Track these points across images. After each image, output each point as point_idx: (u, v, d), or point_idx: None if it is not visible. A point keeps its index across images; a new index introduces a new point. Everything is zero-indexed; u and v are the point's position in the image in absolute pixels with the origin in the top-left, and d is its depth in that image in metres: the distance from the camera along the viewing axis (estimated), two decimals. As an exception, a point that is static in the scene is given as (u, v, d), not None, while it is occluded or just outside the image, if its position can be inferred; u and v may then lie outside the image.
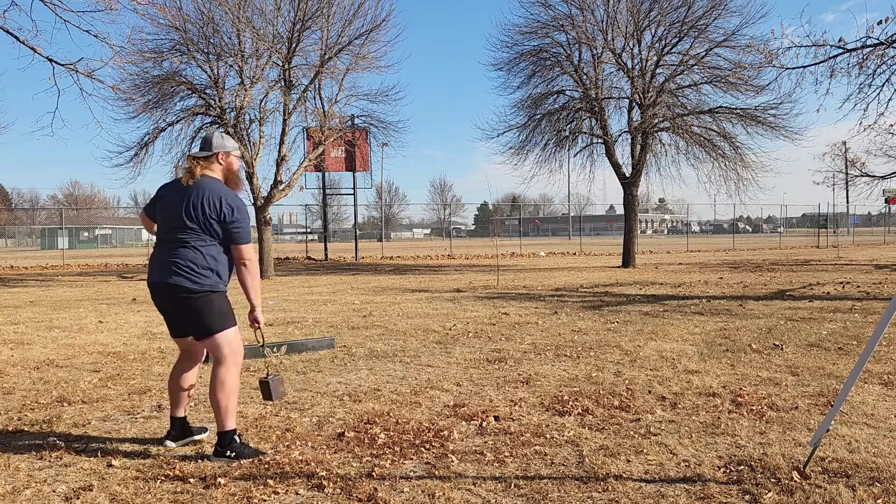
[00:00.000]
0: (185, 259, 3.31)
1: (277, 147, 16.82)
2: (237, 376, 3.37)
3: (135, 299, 11.50)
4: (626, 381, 4.80)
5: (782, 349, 5.93)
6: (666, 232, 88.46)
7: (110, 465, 3.23)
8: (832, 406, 3.43)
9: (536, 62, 18.97)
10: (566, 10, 18.14)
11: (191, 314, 3.34)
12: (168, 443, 3.51)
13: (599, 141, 19.04)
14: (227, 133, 16.16)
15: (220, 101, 16.01)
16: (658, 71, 18.09)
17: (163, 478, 3.06)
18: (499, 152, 44.72)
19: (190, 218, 3.31)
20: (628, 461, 3.20)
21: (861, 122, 12.46)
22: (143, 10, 13.05)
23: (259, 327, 3.48)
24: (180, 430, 3.56)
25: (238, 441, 3.34)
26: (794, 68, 11.83)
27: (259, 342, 3.61)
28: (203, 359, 3.64)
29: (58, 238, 52.47)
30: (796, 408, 4.06)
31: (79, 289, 14.24)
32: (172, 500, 2.82)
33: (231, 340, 3.36)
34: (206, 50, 15.81)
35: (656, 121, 18.16)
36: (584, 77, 18.48)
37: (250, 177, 16.44)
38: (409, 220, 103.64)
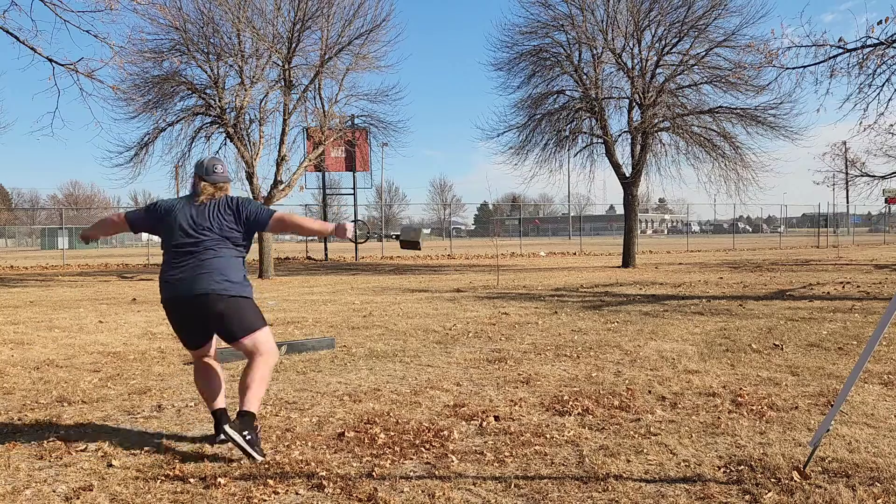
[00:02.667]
0: None
1: (277, 147, 16.83)
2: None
3: (135, 299, 11.50)
4: (626, 381, 4.80)
5: (782, 349, 5.93)
6: (666, 232, 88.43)
7: (110, 465, 3.23)
8: (832, 406, 3.43)
9: (536, 62, 18.98)
10: (566, 10, 18.16)
11: None
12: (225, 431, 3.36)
13: (599, 141, 19.04)
14: (228, 133, 16.19)
15: (220, 101, 16.01)
16: (658, 71, 18.10)
17: (163, 478, 3.06)
18: (499, 152, 44.76)
19: None
20: (628, 461, 3.20)
21: (861, 122, 12.47)
22: (143, 10, 13.08)
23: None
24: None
25: (258, 428, 3.43)
26: (794, 68, 11.84)
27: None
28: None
29: (58, 238, 52.41)
30: (796, 408, 4.06)
31: (79, 289, 14.24)
32: (172, 500, 2.82)
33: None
34: (206, 50, 15.81)
35: (656, 121, 18.17)
36: (584, 77, 18.49)
37: (250, 177, 16.44)
38: (409, 220, 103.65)
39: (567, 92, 19.22)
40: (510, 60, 19.26)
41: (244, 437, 3.24)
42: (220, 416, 3.50)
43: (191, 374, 5.22)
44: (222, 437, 3.43)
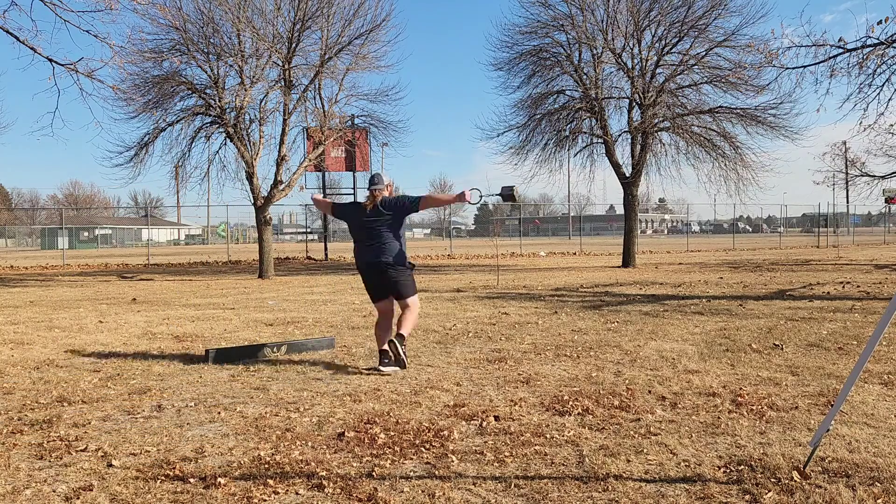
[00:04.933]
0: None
1: (277, 147, 16.83)
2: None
3: (135, 299, 11.50)
4: (626, 381, 4.80)
5: (782, 349, 5.93)
6: (666, 232, 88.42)
7: (110, 465, 3.23)
8: (832, 406, 3.43)
9: (536, 62, 18.97)
10: (566, 10, 18.15)
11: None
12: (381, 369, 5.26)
13: (599, 141, 19.04)
14: (228, 133, 16.22)
15: (220, 101, 16.01)
16: (658, 71, 18.09)
17: (163, 478, 3.06)
18: (499, 152, 44.59)
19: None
20: (628, 461, 3.20)
21: (861, 122, 12.43)
22: (143, 10, 13.08)
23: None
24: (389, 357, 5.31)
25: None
26: (794, 68, 11.82)
27: None
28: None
29: (58, 238, 52.46)
30: (796, 408, 4.06)
31: (79, 289, 14.24)
32: (172, 500, 2.82)
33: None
34: (206, 50, 15.81)
35: (656, 121, 18.16)
36: (584, 77, 18.48)
37: (250, 177, 16.44)
38: (409, 220, 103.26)
39: (567, 92, 19.22)
40: (510, 60, 19.26)
41: (402, 349, 5.21)
42: (384, 353, 5.32)
43: (191, 374, 5.25)
44: (384, 370, 5.22)
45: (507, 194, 5.39)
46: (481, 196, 5.38)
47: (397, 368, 5.26)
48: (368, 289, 5.55)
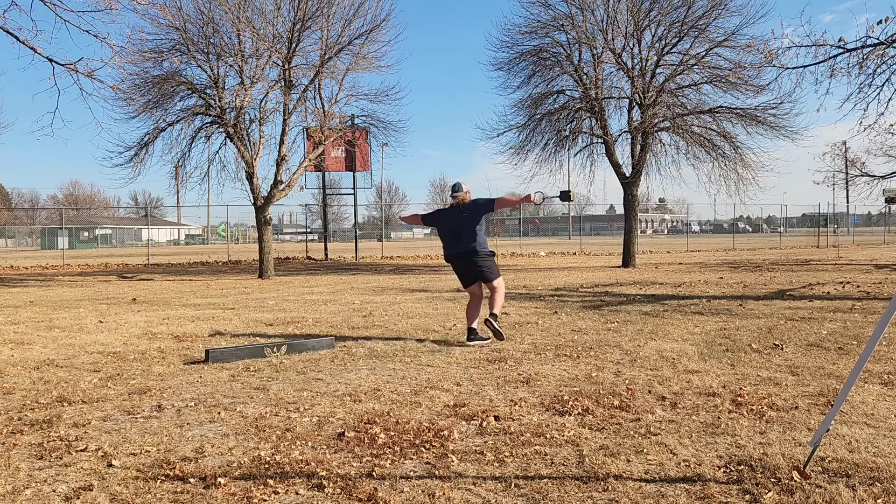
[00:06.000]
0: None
1: (277, 147, 16.83)
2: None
3: (135, 299, 11.50)
4: (626, 381, 4.80)
5: (782, 349, 5.93)
6: (666, 232, 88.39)
7: (110, 465, 3.23)
8: (832, 406, 3.43)
9: (536, 62, 18.97)
10: (566, 10, 18.14)
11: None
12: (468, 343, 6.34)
13: (599, 141, 19.03)
14: (228, 133, 16.24)
15: (220, 101, 16.01)
16: (658, 71, 18.08)
17: (163, 478, 3.06)
18: (499, 152, 44.59)
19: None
20: (628, 461, 3.20)
21: (861, 122, 12.42)
22: (143, 10, 13.07)
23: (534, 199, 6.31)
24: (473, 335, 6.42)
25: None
26: (794, 68, 11.81)
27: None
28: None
29: (58, 238, 52.49)
30: (796, 408, 4.06)
31: (79, 289, 14.24)
32: (172, 500, 2.82)
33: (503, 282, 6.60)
34: (206, 50, 15.81)
35: (656, 121, 18.16)
36: (584, 77, 18.48)
37: (250, 177, 16.44)
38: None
39: (567, 92, 19.21)
40: (510, 60, 19.25)
41: (497, 324, 6.24)
42: (472, 330, 6.42)
43: (191, 374, 5.25)
44: (471, 343, 6.32)
45: (565, 195, 6.94)
46: (544, 198, 6.40)
47: (484, 342, 6.36)
48: (459, 276, 6.67)
